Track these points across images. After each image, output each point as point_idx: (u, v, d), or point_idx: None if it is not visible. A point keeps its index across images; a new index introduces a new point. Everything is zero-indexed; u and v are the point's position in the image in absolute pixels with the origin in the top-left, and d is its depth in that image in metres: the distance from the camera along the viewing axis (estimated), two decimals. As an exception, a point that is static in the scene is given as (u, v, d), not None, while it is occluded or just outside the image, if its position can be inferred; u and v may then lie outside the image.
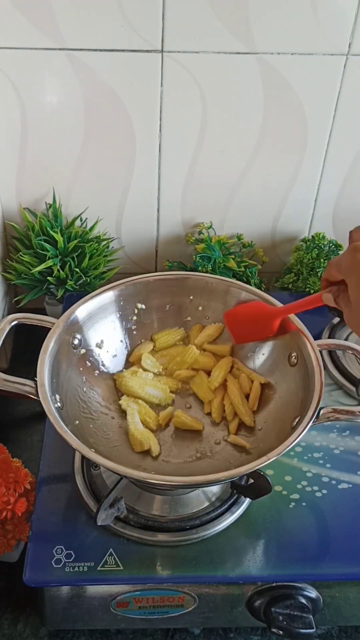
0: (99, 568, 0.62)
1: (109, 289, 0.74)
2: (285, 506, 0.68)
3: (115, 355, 0.76)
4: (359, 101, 0.88)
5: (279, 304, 0.71)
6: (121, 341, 0.76)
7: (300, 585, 0.64)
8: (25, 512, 0.68)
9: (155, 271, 1.04)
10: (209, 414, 0.73)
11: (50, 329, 0.68)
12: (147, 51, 0.82)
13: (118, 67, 0.83)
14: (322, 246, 0.98)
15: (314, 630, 0.62)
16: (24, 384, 0.62)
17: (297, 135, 0.91)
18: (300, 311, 0.68)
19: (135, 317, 0.77)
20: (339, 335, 0.90)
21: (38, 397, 0.61)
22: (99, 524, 0.62)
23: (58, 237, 0.92)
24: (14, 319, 0.68)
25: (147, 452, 0.69)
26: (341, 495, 0.69)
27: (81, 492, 0.68)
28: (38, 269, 0.91)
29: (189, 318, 0.79)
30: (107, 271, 0.99)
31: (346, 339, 0.89)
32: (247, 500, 0.68)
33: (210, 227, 0.99)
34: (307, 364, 0.66)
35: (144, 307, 0.77)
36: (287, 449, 0.57)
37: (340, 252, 0.99)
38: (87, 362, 0.72)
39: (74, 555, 0.63)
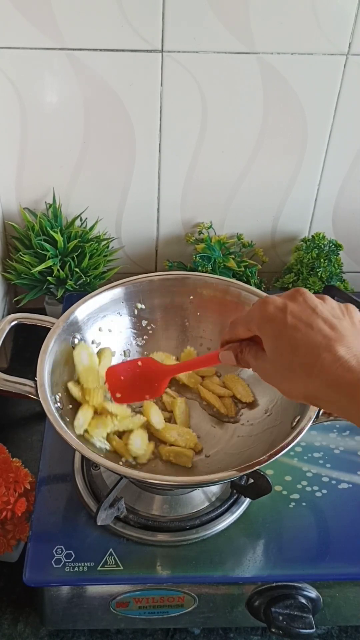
0: (99, 568, 0.62)
1: (109, 288, 0.74)
2: (285, 506, 0.68)
3: (115, 355, 0.76)
4: (359, 101, 0.88)
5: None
6: (121, 341, 0.76)
7: (300, 585, 0.64)
8: (25, 512, 0.68)
9: (155, 271, 1.04)
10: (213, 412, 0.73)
11: (50, 329, 0.68)
12: (147, 51, 0.82)
13: (118, 67, 0.83)
14: (322, 246, 0.98)
15: (314, 630, 0.62)
16: (24, 384, 0.62)
17: (297, 135, 0.91)
18: (193, 369, 0.66)
19: (135, 317, 0.77)
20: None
21: (38, 397, 0.61)
22: (99, 524, 0.62)
23: (58, 237, 0.92)
24: (14, 318, 0.68)
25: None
26: (341, 495, 0.69)
27: (81, 492, 0.68)
28: (38, 268, 0.91)
29: (185, 324, 0.79)
30: (107, 271, 0.99)
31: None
32: (247, 500, 0.68)
33: (210, 227, 0.99)
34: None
35: (143, 307, 0.77)
36: (287, 449, 0.57)
37: (340, 252, 0.99)
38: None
39: (74, 555, 0.63)
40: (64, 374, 0.68)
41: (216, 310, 0.77)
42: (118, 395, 0.65)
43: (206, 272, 0.93)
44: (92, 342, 0.73)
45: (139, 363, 0.66)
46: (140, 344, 0.78)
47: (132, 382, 0.66)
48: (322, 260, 0.96)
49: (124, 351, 0.77)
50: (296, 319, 0.49)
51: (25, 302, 0.96)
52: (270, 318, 0.50)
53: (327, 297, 0.52)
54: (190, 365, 0.68)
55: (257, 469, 0.57)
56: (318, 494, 0.69)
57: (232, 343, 0.57)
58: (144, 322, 0.78)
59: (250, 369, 0.56)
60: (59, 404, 0.63)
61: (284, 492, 0.69)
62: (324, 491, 0.70)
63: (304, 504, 0.68)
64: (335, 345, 0.47)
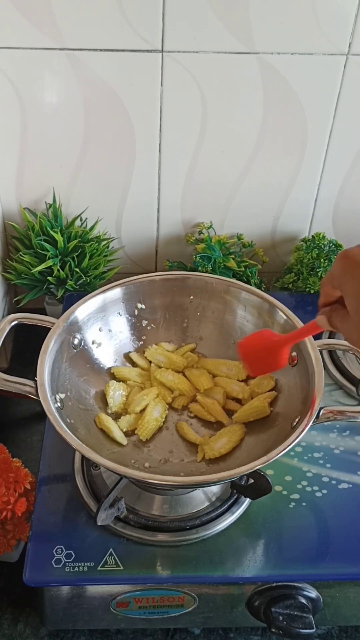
0: (99, 568, 0.62)
1: (109, 288, 0.74)
2: (285, 506, 0.68)
3: (114, 355, 0.76)
4: (359, 101, 0.88)
5: (280, 305, 0.71)
6: (121, 341, 0.76)
7: (300, 585, 0.64)
8: (25, 512, 0.68)
9: (155, 271, 1.04)
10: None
11: (50, 329, 0.68)
12: (147, 51, 0.82)
13: (118, 67, 0.83)
14: (322, 246, 0.98)
15: (314, 630, 0.62)
16: (24, 384, 0.63)
17: (297, 135, 0.91)
18: (303, 338, 0.65)
19: (135, 317, 0.77)
20: (339, 336, 0.90)
21: (38, 397, 0.61)
22: (99, 524, 0.62)
23: (58, 237, 0.92)
24: (14, 318, 0.68)
25: (146, 452, 0.69)
26: (341, 495, 0.69)
27: (81, 492, 0.68)
28: (38, 269, 0.91)
29: (185, 324, 0.79)
30: (107, 271, 0.99)
31: (346, 339, 0.89)
32: (247, 500, 0.68)
33: (210, 227, 0.99)
34: (307, 364, 0.66)
35: (144, 306, 0.77)
36: (287, 449, 0.57)
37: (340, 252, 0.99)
38: (87, 361, 0.72)
39: (74, 555, 0.63)
40: (64, 374, 0.68)
41: (216, 310, 0.77)
42: (251, 368, 0.67)
43: (206, 272, 0.93)
44: (92, 342, 0.73)
45: (260, 337, 0.66)
46: (140, 344, 0.78)
47: (259, 355, 0.66)
48: (322, 260, 0.96)
49: (123, 351, 0.77)
50: None
51: (25, 302, 0.96)
52: (350, 272, 0.49)
53: None
54: (299, 335, 0.64)
55: (257, 469, 0.57)
56: (318, 494, 0.69)
57: (327, 306, 0.55)
58: (144, 322, 0.78)
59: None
60: (59, 404, 0.63)
61: (284, 492, 0.69)
62: (324, 491, 0.70)
63: (304, 504, 0.68)
64: None
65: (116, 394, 0.72)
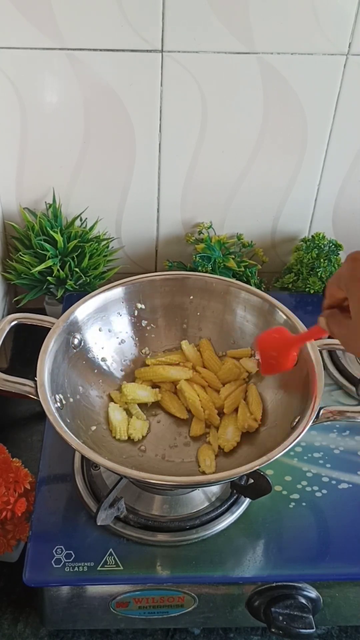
0: (98, 568, 0.62)
1: (109, 288, 0.74)
2: (285, 506, 0.68)
3: (114, 355, 0.76)
4: (359, 101, 0.88)
5: (280, 305, 0.71)
6: (121, 341, 0.76)
7: (300, 585, 0.64)
8: (25, 512, 0.68)
9: (155, 271, 1.04)
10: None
11: (50, 329, 0.68)
12: (147, 51, 0.82)
13: (118, 67, 0.83)
14: (322, 246, 0.98)
15: (314, 630, 0.62)
16: (24, 384, 0.63)
17: (297, 135, 0.91)
18: (309, 341, 0.65)
19: (135, 317, 0.77)
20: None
21: (38, 397, 0.61)
22: (98, 524, 0.62)
23: (58, 237, 0.92)
24: (14, 318, 0.68)
25: (147, 452, 0.69)
26: (341, 495, 0.69)
27: (81, 492, 0.68)
28: (38, 269, 0.91)
29: (185, 324, 0.79)
30: (107, 271, 0.99)
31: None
32: (247, 500, 0.68)
33: (210, 227, 0.99)
34: (307, 364, 0.66)
35: (143, 306, 0.77)
36: (287, 449, 0.57)
37: (340, 252, 0.99)
38: (87, 361, 0.72)
39: (74, 555, 0.63)
40: (64, 374, 0.68)
41: (216, 310, 0.77)
42: (264, 365, 0.67)
43: (206, 272, 0.93)
44: (92, 343, 0.73)
45: (275, 334, 0.67)
46: (140, 344, 0.78)
47: (272, 352, 0.66)
48: (322, 260, 0.96)
49: (122, 351, 0.77)
50: None
51: (25, 302, 0.96)
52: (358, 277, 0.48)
53: None
54: (306, 337, 0.65)
55: (257, 469, 0.57)
56: (318, 494, 0.69)
57: (331, 308, 0.54)
58: (144, 322, 0.78)
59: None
60: (58, 404, 0.63)
61: (284, 492, 0.69)
62: (324, 491, 0.70)
63: (304, 504, 0.68)
64: None
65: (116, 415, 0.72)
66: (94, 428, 0.69)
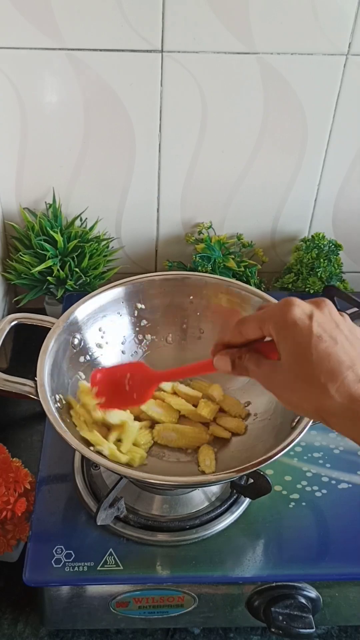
0: (98, 568, 0.62)
1: (109, 288, 0.74)
2: (285, 506, 0.68)
3: (114, 355, 0.76)
4: (359, 101, 0.88)
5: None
6: (121, 341, 0.76)
7: (300, 585, 0.64)
8: (25, 512, 0.68)
9: (155, 271, 1.04)
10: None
11: (50, 329, 0.68)
12: (147, 51, 0.82)
13: (118, 67, 0.83)
14: (322, 246, 0.98)
15: (313, 630, 0.62)
16: (24, 384, 0.63)
17: (297, 135, 0.91)
18: (184, 377, 0.63)
19: (135, 317, 0.77)
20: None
21: (38, 397, 0.61)
22: (98, 523, 0.62)
23: (58, 237, 0.92)
24: (14, 318, 0.68)
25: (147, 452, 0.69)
26: (341, 495, 0.69)
27: (81, 492, 0.68)
28: (38, 269, 0.91)
29: (185, 325, 0.79)
30: (107, 271, 0.99)
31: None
32: (247, 500, 0.68)
33: (210, 227, 0.99)
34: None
35: (143, 306, 0.77)
36: (287, 449, 0.57)
37: (340, 252, 0.99)
38: (87, 362, 0.72)
39: (73, 555, 0.63)
40: (64, 374, 0.68)
41: (216, 310, 0.77)
42: (102, 400, 0.63)
43: (206, 272, 0.93)
44: (92, 343, 0.73)
45: (128, 368, 0.64)
46: (139, 344, 0.78)
47: (118, 388, 0.62)
48: (322, 260, 0.96)
49: (122, 351, 0.77)
50: (322, 329, 0.46)
51: (25, 302, 0.96)
52: (295, 322, 0.46)
53: (346, 315, 0.49)
54: (181, 373, 0.62)
55: (257, 469, 0.57)
56: (318, 494, 0.69)
57: (230, 348, 0.52)
58: (144, 322, 0.78)
59: (244, 377, 0.51)
60: (58, 404, 0.63)
61: (284, 492, 0.69)
62: (324, 491, 0.70)
63: (303, 504, 0.68)
64: (357, 365, 0.45)
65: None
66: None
